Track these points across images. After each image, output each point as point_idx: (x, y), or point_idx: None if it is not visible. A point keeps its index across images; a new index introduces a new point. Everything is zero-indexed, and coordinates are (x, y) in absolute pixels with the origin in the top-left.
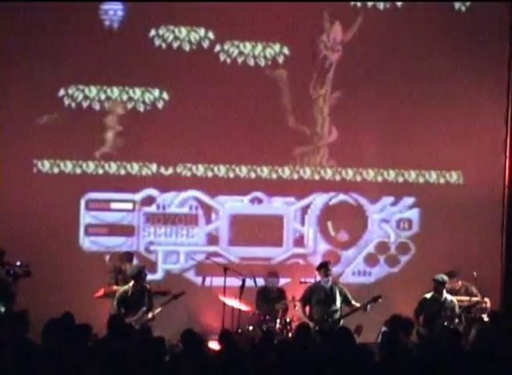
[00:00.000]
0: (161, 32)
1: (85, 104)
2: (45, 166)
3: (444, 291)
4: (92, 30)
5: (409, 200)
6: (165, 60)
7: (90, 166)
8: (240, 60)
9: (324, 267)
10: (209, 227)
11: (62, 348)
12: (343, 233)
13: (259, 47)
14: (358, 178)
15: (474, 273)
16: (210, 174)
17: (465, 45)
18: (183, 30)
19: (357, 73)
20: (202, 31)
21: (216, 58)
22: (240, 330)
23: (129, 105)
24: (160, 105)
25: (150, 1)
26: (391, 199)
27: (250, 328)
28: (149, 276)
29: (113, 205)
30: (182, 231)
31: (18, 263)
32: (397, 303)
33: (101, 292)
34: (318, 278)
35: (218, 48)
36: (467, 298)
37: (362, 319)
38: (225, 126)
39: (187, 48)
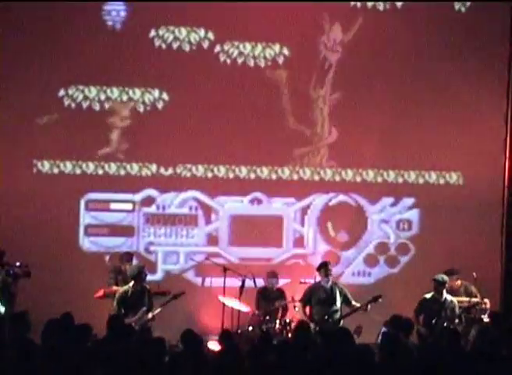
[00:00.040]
0: (161, 32)
1: (85, 104)
2: (45, 166)
3: (444, 292)
4: (91, 30)
5: (409, 201)
6: (165, 61)
7: (89, 167)
8: (239, 61)
9: (324, 267)
10: (209, 228)
11: (62, 349)
12: (342, 233)
13: (259, 47)
14: (358, 179)
15: (474, 274)
16: (210, 175)
17: (465, 46)
18: (183, 31)
19: (357, 73)
20: (202, 32)
21: (216, 58)
22: (239, 331)
23: (130, 106)
24: (160, 105)
25: (150, 2)
26: (391, 200)
27: (250, 329)
28: (149, 277)
29: (113, 206)
30: (182, 232)
31: (18, 264)
32: (397, 304)
33: (100, 293)
34: (318, 278)
35: (218, 48)
36: (466, 298)
37: (362, 320)
38: (225, 126)
39: (187, 48)
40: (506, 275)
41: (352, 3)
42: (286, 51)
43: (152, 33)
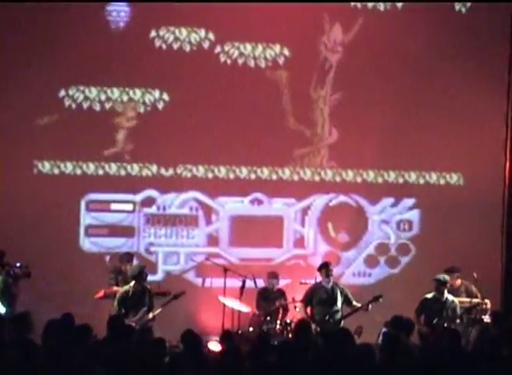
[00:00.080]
0: (161, 33)
1: (85, 105)
2: (45, 166)
3: (445, 291)
4: (92, 30)
5: (409, 201)
6: (165, 61)
7: (90, 167)
8: (240, 61)
9: (325, 268)
10: (209, 228)
11: (62, 349)
12: (343, 234)
13: (259, 48)
14: (358, 179)
15: (475, 274)
16: (210, 175)
17: (465, 46)
18: (184, 31)
19: (357, 74)
20: (202, 32)
21: (216, 59)
22: (240, 331)
23: (130, 106)
24: (160, 105)
25: (150, 2)
26: (391, 200)
27: (251, 329)
28: (149, 277)
29: (113, 206)
30: (182, 232)
31: (18, 264)
32: (397, 304)
33: (101, 293)
34: (318, 279)
35: (218, 49)
36: (467, 299)
37: (362, 320)
38: (226, 127)
39: (188, 48)
40: (506, 275)
41: (352, 3)
42: (286, 52)
43: (153, 33)
